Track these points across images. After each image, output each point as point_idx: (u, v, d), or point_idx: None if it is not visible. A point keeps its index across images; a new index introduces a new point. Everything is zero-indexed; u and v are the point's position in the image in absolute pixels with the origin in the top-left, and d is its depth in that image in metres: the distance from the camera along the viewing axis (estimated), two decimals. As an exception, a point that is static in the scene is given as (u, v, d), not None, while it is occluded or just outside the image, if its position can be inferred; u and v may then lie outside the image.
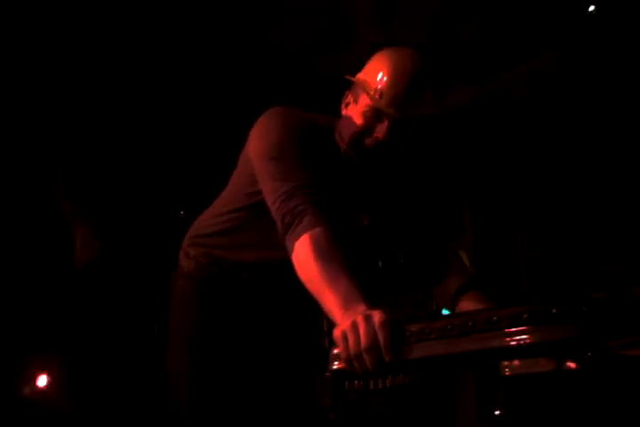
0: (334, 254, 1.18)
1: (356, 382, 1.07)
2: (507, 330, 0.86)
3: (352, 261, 1.20)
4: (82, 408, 2.88)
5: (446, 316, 1.13)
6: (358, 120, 1.41)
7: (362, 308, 1.06)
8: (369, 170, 1.47)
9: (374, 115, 1.39)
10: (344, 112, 1.48)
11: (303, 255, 1.20)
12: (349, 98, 1.47)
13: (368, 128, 1.40)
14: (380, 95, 1.37)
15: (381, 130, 1.38)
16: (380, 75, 1.39)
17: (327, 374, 1.06)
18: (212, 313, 1.53)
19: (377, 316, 1.01)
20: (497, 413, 0.99)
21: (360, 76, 1.45)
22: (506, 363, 0.96)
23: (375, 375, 1.02)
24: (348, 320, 1.03)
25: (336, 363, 1.06)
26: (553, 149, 3.52)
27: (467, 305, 1.39)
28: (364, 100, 1.40)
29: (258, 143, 1.44)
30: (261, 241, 1.47)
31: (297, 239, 1.22)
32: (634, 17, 2.93)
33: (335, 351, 1.06)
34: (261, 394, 1.53)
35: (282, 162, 1.35)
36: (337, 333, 1.04)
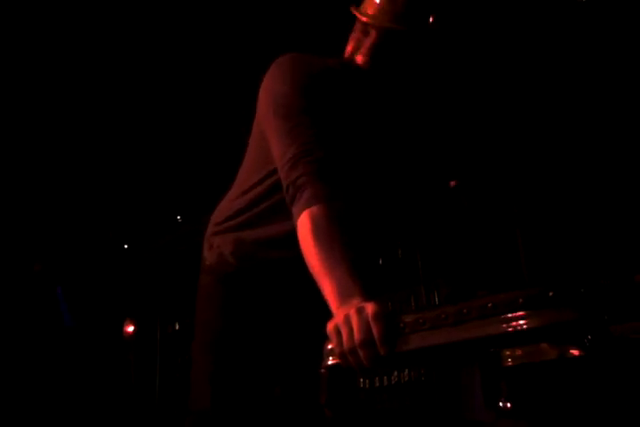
0: (333, 238, 1.12)
1: (362, 380, 1.04)
2: (503, 316, 0.83)
3: (358, 239, 1.15)
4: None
5: (440, 305, 1.10)
6: (375, 43, 1.36)
7: (356, 300, 1.02)
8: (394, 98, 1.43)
9: (392, 37, 1.35)
10: (352, 43, 1.41)
11: (303, 237, 1.15)
12: (357, 27, 1.41)
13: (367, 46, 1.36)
14: (391, 17, 1.33)
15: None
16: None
17: (322, 370, 1.03)
18: (234, 309, 1.46)
19: (370, 308, 0.97)
20: (501, 404, 0.96)
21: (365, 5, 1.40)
22: (507, 353, 0.93)
23: (371, 370, 0.98)
24: (342, 313, 1.00)
25: (330, 358, 1.02)
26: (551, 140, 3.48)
27: None
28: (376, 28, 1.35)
29: (264, 99, 1.36)
30: (283, 214, 1.34)
31: (298, 217, 1.17)
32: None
33: (329, 347, 1.03)
34: (285, 392, 1.47)
35: (288, 120, 1.27)
36: (330, 327, 1.01)
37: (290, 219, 1.28)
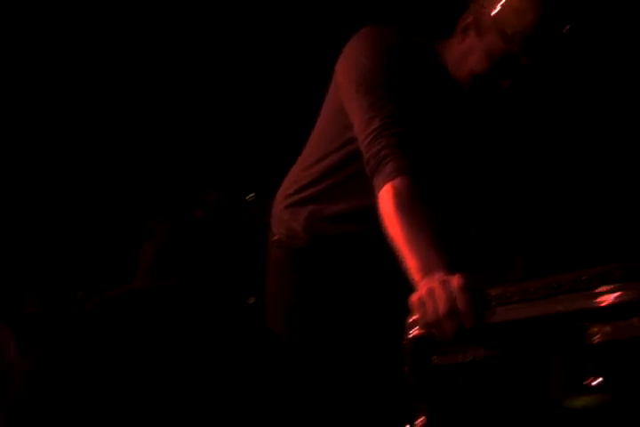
0: (416, 209, 1.12)
1: (443, 356, 1.04)
2: (597, 289, 0.81)
3: (439, 212, 1.14)
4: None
5: (526, 279, 1.08)
6: (482, 60, 1.26)
7: (440, 274, 1.01)
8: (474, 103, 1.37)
9: (504, 59, 1.24)
10: (460, 36, 1.31)
11: (385, 209, 1.15)
12: (470, 21, 1.29)
13: (493, 72, 1.27)
14: (518, 40, 1.21)
15: (508, 78, 1.26)
16: (520, 12, 1.20)
17: (404, 341, 1.04)
18: (309, 284, 1.47)
19: (455, 280, 0.97)
20: (589, 383, 0.95)
21: (491, 3, 1.24)
22: (595, 329, 0.91)
23: (455, 342, 0.98)
24: (425, 286, 1.00)
25: (413, 330, 1.03)
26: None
27: None
28: (495, 39, 1.23)
29: (346, 70, 1.35)
30: (358, 185, 1.34)
31: (380, 189, 1.17)
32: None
33: (412, 319, 1.03)
34: (362, 366, 1.47)
35: (370, 93, 1.27)
36: (414, 299, 1.01)
37: (365, 193, 1.27)
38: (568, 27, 1.23)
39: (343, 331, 1.46)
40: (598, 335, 0.91)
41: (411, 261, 1.07)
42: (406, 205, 1.13)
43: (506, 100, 1.40)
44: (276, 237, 1.53)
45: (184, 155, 3.80)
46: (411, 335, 1.03)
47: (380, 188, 1.18)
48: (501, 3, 1.23)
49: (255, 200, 3.79)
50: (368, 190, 1.24)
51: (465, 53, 1.30)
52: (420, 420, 1.04)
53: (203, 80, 3.52)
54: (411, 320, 1.03)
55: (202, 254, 3.52)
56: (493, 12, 1.24)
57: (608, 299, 0.81)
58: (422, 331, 1.00)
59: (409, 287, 1.06)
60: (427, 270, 1.04)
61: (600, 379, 0.96)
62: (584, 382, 0.97)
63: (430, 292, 0.98)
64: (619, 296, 0.80)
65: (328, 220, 1.44)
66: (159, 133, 3.74)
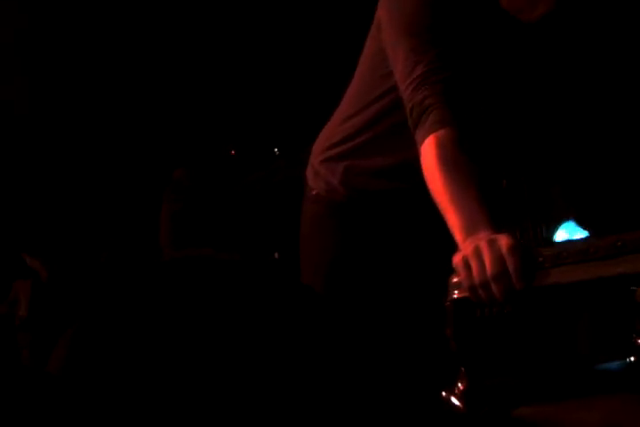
0: (461, 164, 1.05)
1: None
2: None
3: (482, 167, 1.07)
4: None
5: (585, 238, 1.01)
6: None
7: (485, 232, 0.94)
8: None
9: None
10: None
11: (427, 163, 1.08)
12: None
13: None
14: None
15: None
16: None
17: (447, 303, 0.98)
18: (346, 239, 1.41)
19: (503, 240, 0.90)
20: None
21: None
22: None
23: (503, 304, 0.92)
24: (470, 246, 0.93)
25: (456, 292, 0.97)
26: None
27: None
28: None
29: (388, 11, 1.26)
30: (398, 139, 1.27)
31: (423, 141, 1.09)
32: None
33: (455, 279, 0.97)
34: (403, 324, 1.43)
35: (415, 36, 1.17)
36: (457, 260, 0.94)
37: (406, 146, 1.20)
38: None
39: (383, 288, 1.40)
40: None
41: (454, 218, 1.00)
42: (450, 158, 1.05)
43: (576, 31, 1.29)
44: (313, 192, 1.47)
45: (209, 106, 3.74)
46: (454, 296, 0.97)
47: (423, 141, 1.10)
48: None
49: (279, 155, 3.72)
50: (409, 144, 1.16)
51: None
52: (460, 385, 1.00)
53: (230, 32, 3.44)
54: (454, 281, 0.97)
55: (224, 209, 3.49)
56: None
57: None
58: (467, 293, 0.94)
59: (452, 246, 1.00)
60: (471, 229, 0.97)
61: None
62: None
63: (476, 252, 0.91)
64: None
65: (367, 175, 1.38)
66: (183, 87, 3.67)
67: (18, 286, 3.96)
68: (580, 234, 1.38)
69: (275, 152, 3.59)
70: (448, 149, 1.06)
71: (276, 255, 3.68)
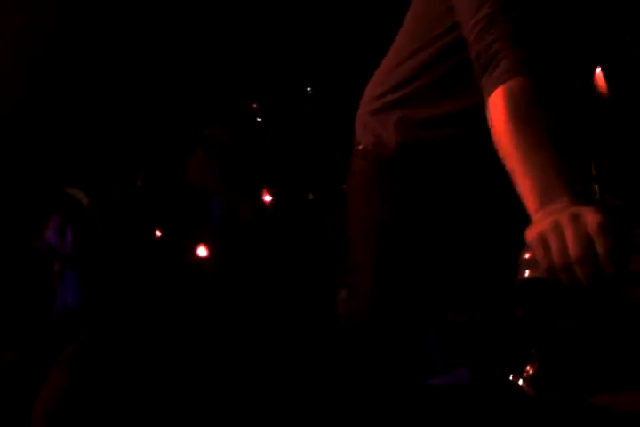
0: (536, 119, 0.91)
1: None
2: None
3: (562, 123, 0.94)
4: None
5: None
6: None
7: (565, 202, 0.83)
8: None
9: None
10: None
11: (496, 118, 0.94)
12: None
13: None
14: None
15: None
16: None
17: (518, 282, 0.88)
18: (401, 198, 1.28)
19: (590, 216, 0.78)
20: None
21: None
22: None
23: (589, 290, 0.82)
24: (548, 219, 0.81)
25: (529, 271, 0.86)
26: None
27: None
28: None
29: None
30: (458, 84, 1.16)
31: (490, 93, 0.96)
32: None
33: (527, 256, 0.87)
34: (452, 288, 1.34)
35: None
36: (533, 235, 0.83)
37: (467, 92, 1.08)
38: None
39: (440, 255, 1.30)
40: None
41: (526, 182, 0.88)
42: (523, 112, 0.92)
43: None
44: (360, 147, 1.35)
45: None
46: (526, 275, 0.87)
47: (491, 91, 0.96)
48: None
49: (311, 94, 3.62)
50: (471, 90, 1.04)
51: None
52: (531, 368, 0.92)
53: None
54: (527, 257, 0.87)
55: (255, 157, 3.45)
56: None
57: None
58: (543, 273, 0.84)
59: (523, 213, 0.89)
60: (547, 196, 0.85)
61: None
62: None
63: (556, 228, 0.80)
64: None
65: (423, 125, 1.25)
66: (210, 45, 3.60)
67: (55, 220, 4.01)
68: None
69: (307, 91, 3.46)
70: (521, 102, 0.93)
71: (311, 196, 3.63)
